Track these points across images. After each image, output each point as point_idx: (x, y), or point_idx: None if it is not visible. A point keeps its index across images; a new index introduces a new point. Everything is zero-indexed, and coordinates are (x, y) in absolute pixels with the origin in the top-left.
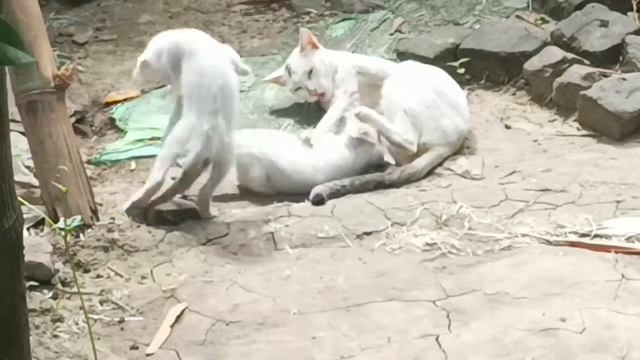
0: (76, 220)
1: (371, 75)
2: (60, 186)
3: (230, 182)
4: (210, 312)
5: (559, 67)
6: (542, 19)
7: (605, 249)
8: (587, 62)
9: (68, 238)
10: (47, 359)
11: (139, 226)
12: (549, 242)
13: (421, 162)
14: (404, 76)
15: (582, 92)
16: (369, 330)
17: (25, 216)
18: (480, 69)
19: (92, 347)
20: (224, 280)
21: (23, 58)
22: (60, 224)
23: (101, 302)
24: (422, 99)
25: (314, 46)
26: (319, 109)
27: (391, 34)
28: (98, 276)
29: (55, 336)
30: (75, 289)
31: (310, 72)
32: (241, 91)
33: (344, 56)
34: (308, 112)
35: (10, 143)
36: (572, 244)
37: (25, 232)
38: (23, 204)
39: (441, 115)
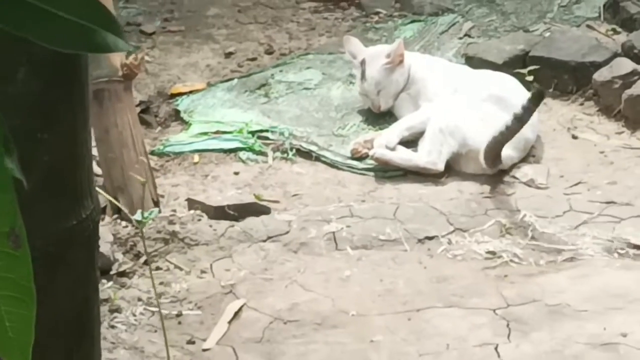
0: (154, 213)
1: None
2: (139, 177)
3: (289, 179)
4: (269, 309)
5: (628, 79)
6: (613, 29)
7: None
8: None
9: (129, 229)
10: (104, 349)
11: (200, 219)
12: (612, 256)
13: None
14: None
15: None
16: (427, 335)
17: None
18: (549, 77)
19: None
20: (283, 278)
21: (122, 46)
22: (137, 216)
23: (159, 295)
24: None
25: (401, 62)
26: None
27: (460, 38)
28: (157, 268)
29: (112, 327)
30: (134, 280)
31: (383, 89)
32: (307, 89)
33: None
34: (374, 113)
35: (92, 130)
36: (636, 259)
37: None
38: (100, 193)
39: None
